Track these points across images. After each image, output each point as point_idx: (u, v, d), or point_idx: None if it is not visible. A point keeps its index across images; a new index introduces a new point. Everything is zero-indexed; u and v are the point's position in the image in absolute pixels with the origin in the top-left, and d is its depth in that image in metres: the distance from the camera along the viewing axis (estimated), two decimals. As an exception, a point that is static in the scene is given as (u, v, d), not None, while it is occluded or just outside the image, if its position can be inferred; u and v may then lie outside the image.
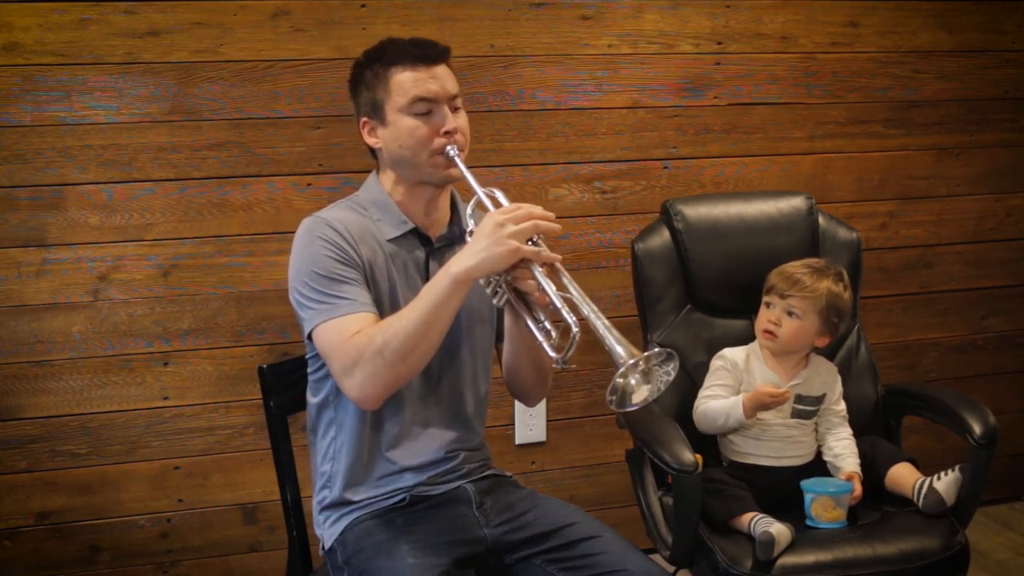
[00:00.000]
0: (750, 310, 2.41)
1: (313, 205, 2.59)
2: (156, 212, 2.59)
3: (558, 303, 1.70)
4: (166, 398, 2.67)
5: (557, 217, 1.75)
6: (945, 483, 2.20)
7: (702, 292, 2.50)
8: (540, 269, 1.71)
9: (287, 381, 2.05)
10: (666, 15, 2.86)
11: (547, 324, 1.77)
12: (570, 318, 1.68)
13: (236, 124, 2.61)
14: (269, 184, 2.65)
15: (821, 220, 2.56)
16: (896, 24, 3.04)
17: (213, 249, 2.64)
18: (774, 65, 2.97)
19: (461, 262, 1.71)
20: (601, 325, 1.66)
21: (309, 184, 2.67)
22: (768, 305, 2.35)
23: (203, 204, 2.62)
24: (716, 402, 2.33)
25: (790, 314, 2.32)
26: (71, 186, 2.53)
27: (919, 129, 3.13)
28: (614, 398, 1.66)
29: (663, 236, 2.50)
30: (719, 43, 2.92)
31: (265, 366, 2.05)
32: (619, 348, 1.63)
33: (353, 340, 1.75)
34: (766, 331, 2.34)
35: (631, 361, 1.63)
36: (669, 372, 1.68)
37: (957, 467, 2.22)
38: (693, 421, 2.36)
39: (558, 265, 1.73)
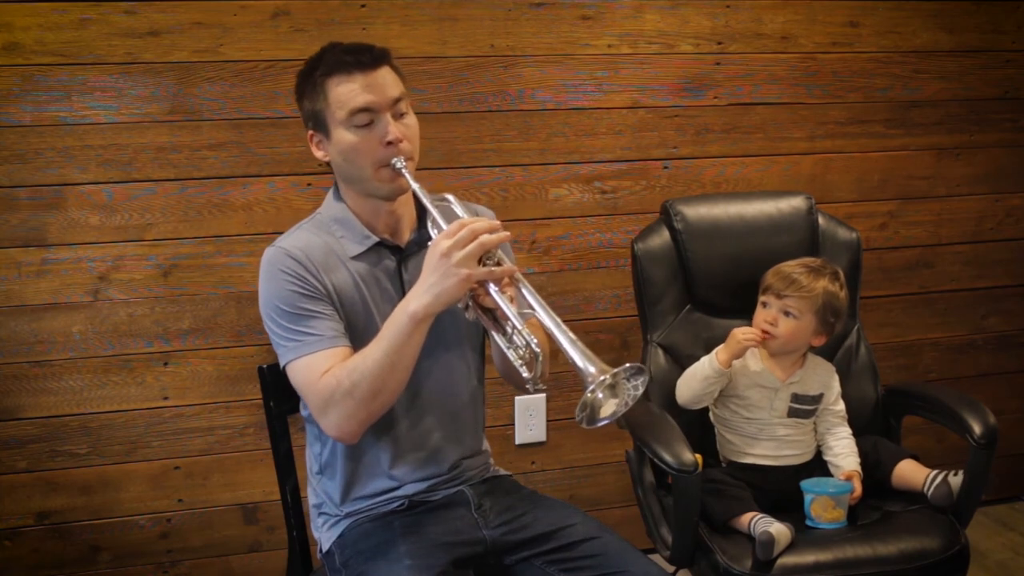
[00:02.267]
0: (750, 310, 2.41)
1: (313, 205, 2.57)
2: (156, 212, 2.59)
3: (518, 324, 1.66)
4: (166, 398, 2.67)
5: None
6: (957, 481, 2.20)
7: (702, 292, 2.50)
8: (495, 287, 1.66)
9: (287, 381, 2.03)
10: (666, 15, 2.86)
11: (517, 339, 1.70)
12: (531, 339, 1.64)
13: (236, 124, 2.61)
14: (269, 184, 2.65)
15: (821, 220, 2.56)
16: (896, 24, 3.04)
17: (213, 249, 2.64)
18: (774, 65, 2.97)
19: (417, 299, 1.68)
20: (565, 340, 1.60)
21: (309, 184, 2.67)
22: (764, 305, 2.35)
23: (203, 204, 2.62)
24: (694, 364, 2.35)
25: (787, 314, 2.32)
26: (71, 186, 2.53)
27: (919, 129, 3.13)
28: (584, 415, 1.60)
29: (663, 236, 2.50)
30: (719, 43, 2.92)
31: (265, 366, 2.05)
32: (590, 367, 1.57)
33: (323, 381, 1.73)
34: (763, 331, 2.33)
35: (601, 378, 1.57)
36: (637, 387, 1.62)
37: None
38: (679, 403, 2.36)
39: (518, 275, 1.69)
